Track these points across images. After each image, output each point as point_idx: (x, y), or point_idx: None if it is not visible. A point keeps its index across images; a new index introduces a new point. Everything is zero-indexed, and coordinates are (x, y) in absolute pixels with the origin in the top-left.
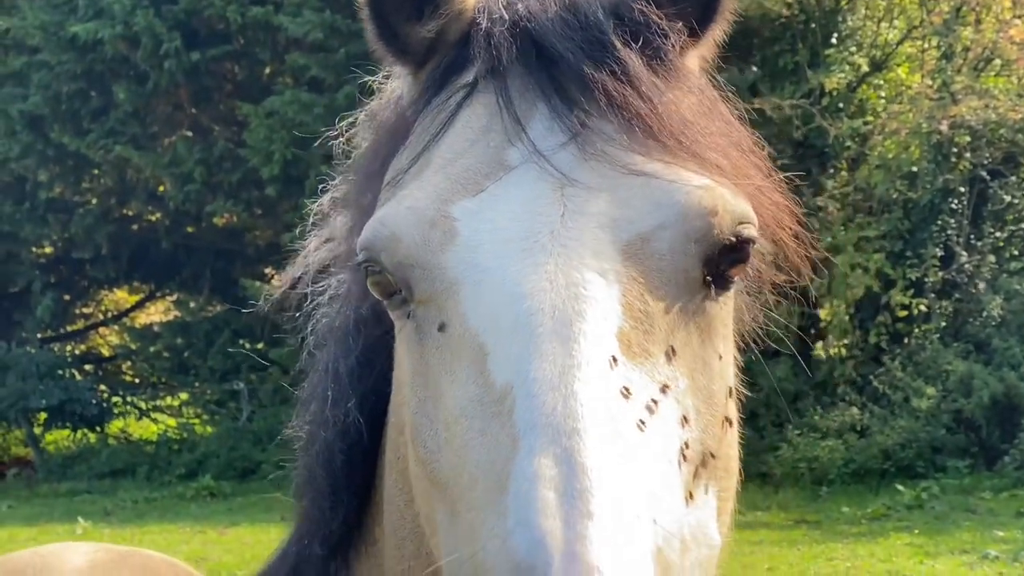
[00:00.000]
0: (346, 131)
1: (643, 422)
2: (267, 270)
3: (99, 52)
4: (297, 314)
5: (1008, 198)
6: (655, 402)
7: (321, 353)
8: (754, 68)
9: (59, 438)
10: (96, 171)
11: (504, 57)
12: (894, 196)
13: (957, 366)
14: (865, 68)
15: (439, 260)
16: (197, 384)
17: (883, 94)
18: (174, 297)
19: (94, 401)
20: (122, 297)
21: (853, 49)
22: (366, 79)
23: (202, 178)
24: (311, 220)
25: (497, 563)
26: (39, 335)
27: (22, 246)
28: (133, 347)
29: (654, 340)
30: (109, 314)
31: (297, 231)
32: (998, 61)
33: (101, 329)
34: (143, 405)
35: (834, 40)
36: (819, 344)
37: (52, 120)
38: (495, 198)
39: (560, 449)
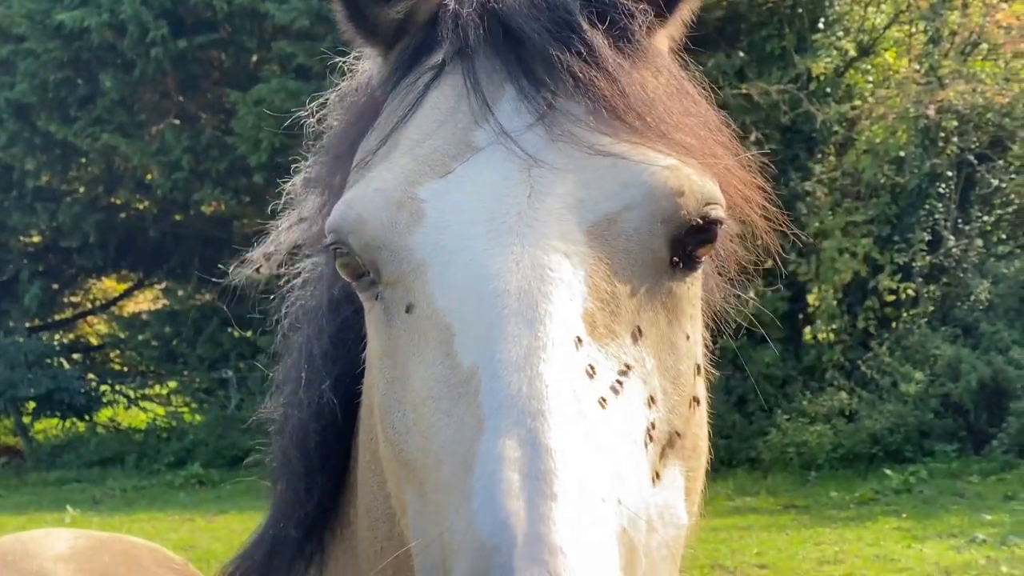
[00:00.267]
0: (317, 112)
1: (608, 403)
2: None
3: (85, 40)
4: (271, 296)
5: (995, 182)
6: (620, 383)
7: (295, 335)
8: (741, 53)
9: (48, 427)
10: (83, 159)
11: (471, 38)
12: (882, 181)
13: (945, 350)
14: (852, 53)
15: (406, 242)
16: (186, 372)
17: (870, 79)
18: (162, 285)
19: (83, 390)
20: (110, 286)
21: (840, 34)
22: (337, 60)
23: (190, 166)
24: (283, 201)
25: (463, 544)
26: (27, 324)
27: (10, 235)
28: (122, 336)
29: (620, 321)
30: (97, 303)
31: (269, 210)
32: (985, 45)
33: (89, 318)
34: (132, 394)
35: (821, 25)
36: (807, 329)
37: (39, 108)
38: (462, 179)
39: (525, 430)
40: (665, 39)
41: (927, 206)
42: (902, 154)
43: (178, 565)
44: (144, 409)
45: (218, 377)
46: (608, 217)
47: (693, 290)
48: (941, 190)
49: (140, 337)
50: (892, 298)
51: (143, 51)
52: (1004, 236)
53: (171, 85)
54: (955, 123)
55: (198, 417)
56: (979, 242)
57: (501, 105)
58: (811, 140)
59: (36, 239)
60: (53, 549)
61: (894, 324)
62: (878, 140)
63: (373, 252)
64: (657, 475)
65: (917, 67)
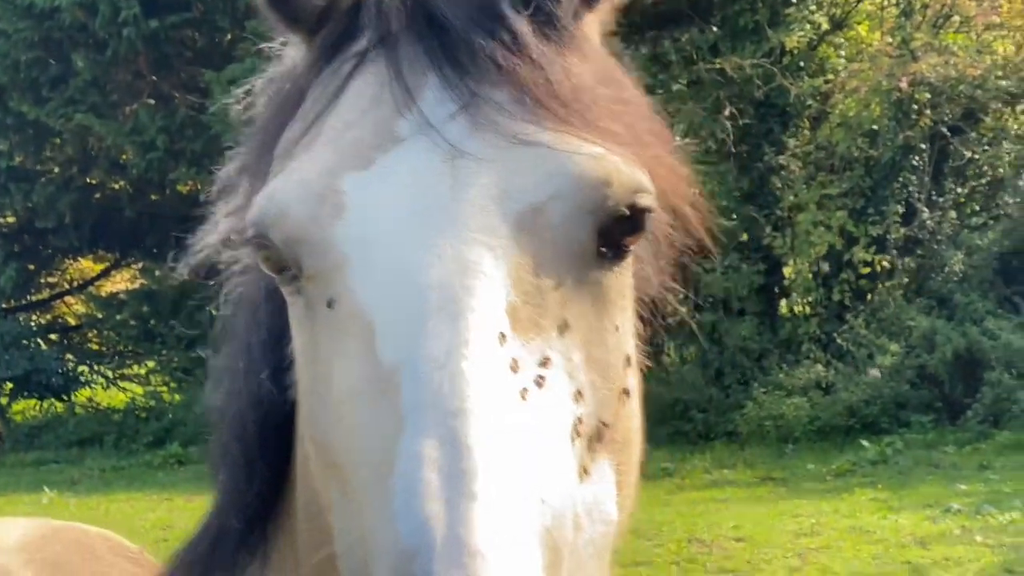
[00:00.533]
0: (244, 98)
1: (533, 398)
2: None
3: (56, 20)
4: (211, 283)
5: (968, 154)
6: (544, 378)
7: (234, 323)
8: (715, 28)
9: (26, 408)
10: (57, 140)
11: (394, 25)
12: (855, 154)
13: (920, 322)
14: (825, 26)
15: (327, 235)
16: (164, 352)
17: (843, 52)
18: (139, 265)
19: (60, 371)
20: (87, 266)
21: (813, 7)
22: (262, 45)
23: (164, 146)
24: (217, 188)
25: (382, 547)
26: (3, 305)
27: None
28: (99, 316)
29: (546, 314)
30: (74, 283)
31: (202, 197)
32: (957, 17)
33: (67, 298)
34: (110, 374)
35: None
36: (783, 302)
37: (10, 89)
38: (384, 171)
39: (445, 430)
40: (595, 24)
41: (901, 179)
42: (875, 127)
43: (133, 554)
44: (123, 389)
45: (197, 356)
46: (533, 208)
47: (622, 280)
48: (915, 163)
49: (118, 317)
50: (867, 270)
51: (115, 31)
52: (977, 208)
53: (144, 65)
54: (928, 96)
55: (177, 397)
56: (953, 214)
57: (424, 94)
58: (785, 114)
59: (11, 220)
60: (2, 540)
61: (869, 296)
62: (851, 113)
63: (294, 246)
64: (585, 470)
65: (890, 40)
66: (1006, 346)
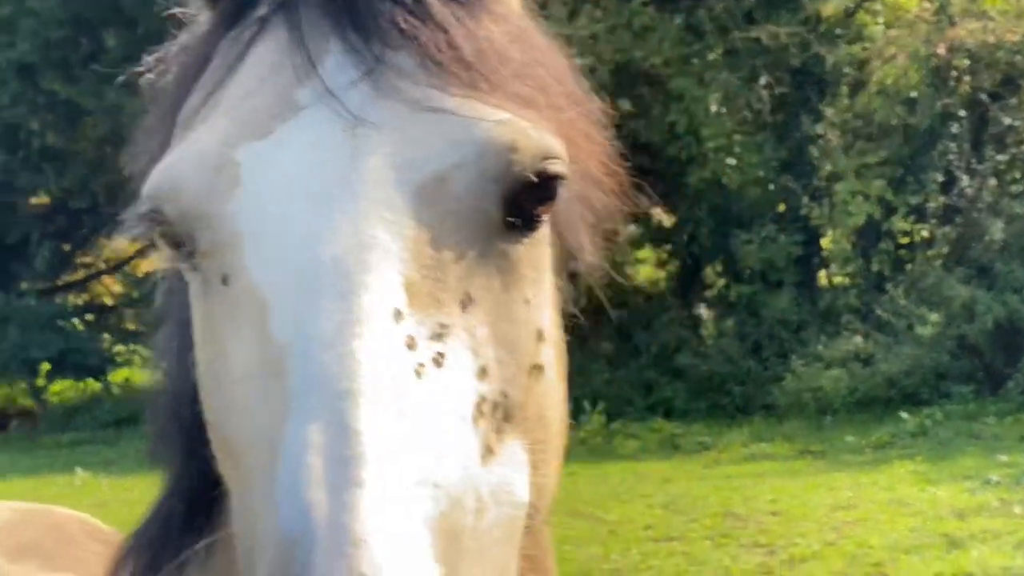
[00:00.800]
0: (153, 66)
1: (430, 378)
2: None
3: None
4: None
5: (1008, 121)
6: (443, 354)
7: (168, 303)
8: None
9: (63, 388)
10: (89, 119)
11: None
12: (893, 122)
13: (960, 292)
14: None
15: (222, 209)
16: None
17: (880, 19)
18: None
19: (96, 351)
20: (123, 246)
21: None
22: (175, 10)
23: None
24: (133, 162)
25: (266, 536)
26: (39, 286)
27: (18, 196)
28: (135, 295)
29: (447, 288)
30: (110, 263)
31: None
32: None
33: (103, 278)
34: (147, 353)
35: None
36: (822, 273)
37: (42, 68)
38: (282, 141)
39: (332, 413)
40: None
41: (940, 147)
42: (914, 95)
43: (109, 536)
44: None
45: None
46: (436, 177)
47: (535, 251)
48: (954, 130)
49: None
50: (906, 240)
51: (146, 8)
52: (1018, 175)
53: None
54: (966, 62)
55: None
56: (993, 182)
57: (326, 60)
58: (822, 82)
59: (45, 200)
60: None
61: (909, 266)
62: (889, 81)
63: (190, 221)
64: (491, 451)
65: (927, 5)
66: None
